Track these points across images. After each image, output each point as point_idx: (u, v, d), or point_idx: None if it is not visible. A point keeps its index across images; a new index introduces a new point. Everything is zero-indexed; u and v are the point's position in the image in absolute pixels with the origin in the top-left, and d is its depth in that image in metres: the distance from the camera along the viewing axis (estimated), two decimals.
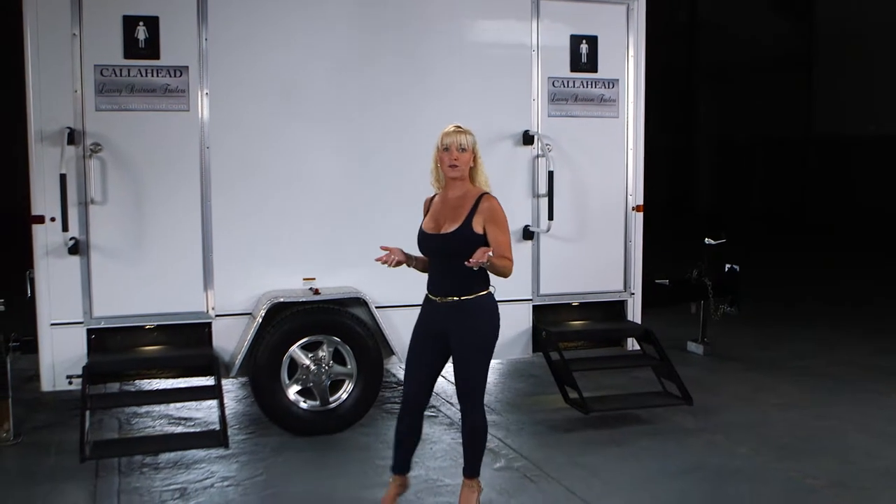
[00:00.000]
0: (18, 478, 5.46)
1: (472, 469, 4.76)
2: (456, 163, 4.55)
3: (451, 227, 4.54)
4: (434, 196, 4.78)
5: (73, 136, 5.74)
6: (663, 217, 6.85)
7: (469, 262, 4.30)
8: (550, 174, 6.54)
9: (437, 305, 4.60)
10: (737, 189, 24.01)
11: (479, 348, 4.62)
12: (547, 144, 6.63)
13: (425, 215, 4.75)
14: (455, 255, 4.44)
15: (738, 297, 8.81)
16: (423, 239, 4.67)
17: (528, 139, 6.69)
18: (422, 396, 4.75)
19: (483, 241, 4.50)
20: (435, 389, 7.40)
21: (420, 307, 4.76)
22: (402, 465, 4.85)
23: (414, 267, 4.78)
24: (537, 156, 6.73)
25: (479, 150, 4.65)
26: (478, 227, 4.52)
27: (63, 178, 5.58)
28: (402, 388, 4.84)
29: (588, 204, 6.95)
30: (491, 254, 4.34)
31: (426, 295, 4.69)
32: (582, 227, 6.93)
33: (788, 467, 5.63)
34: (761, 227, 20.39)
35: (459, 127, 4.62)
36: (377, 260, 4.61)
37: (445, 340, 4.63)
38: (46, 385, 5.89)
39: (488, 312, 4.63)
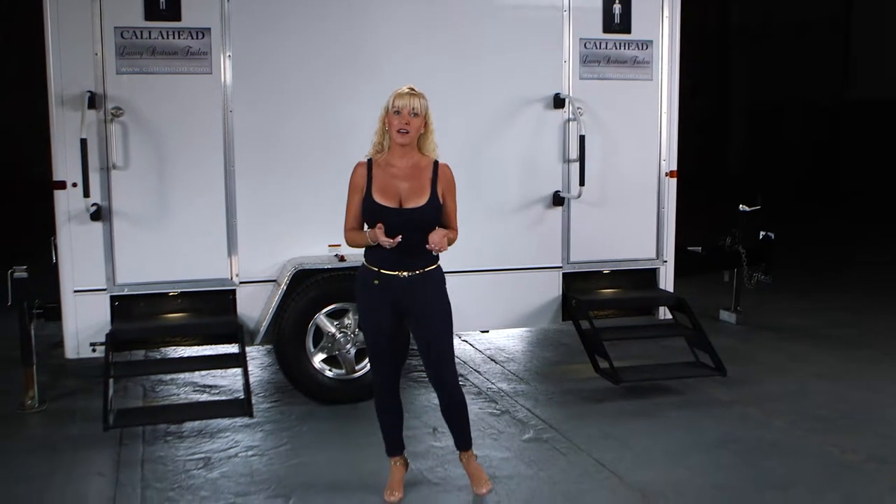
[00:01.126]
0: (42, 446, 5.42)
1: (465, 441, 4.69)
2: (406, 128, 4.30)
3: (419, 201, 4.34)
4: (368, 163, 4.44)
5: (93, 100, 5.63)
6: (694, 182, 6.65)
7: (433, 248, 4.26)
8: (582, 138, 6.35)
9: (399, 280, 4.37)
10: (769, 154, 23.57)
11: (447, 316, 4.51)
12: (578, 108, 6.43)
13: (366, 184, 4.38)
14: (423, 230, 4.30)
15: (773, 266, 8.60)
16: (383, 214, 4.31)
17: (558, 102, 6.50)
18: (395, 376, 4.63)
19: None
20: (459, 355, 7.41)
21: (362, 284, 4.50)
22: (396, 445, 4.73)
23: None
24: (568, 119, 6.54)
25: (431, 116, 4.40)
26: (441, 197, 4.41)
27: (84, 142, 5.47)
28: (372, 373, 4.66)
29: (620, 169, 6.76)
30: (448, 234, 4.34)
31: (374, 270, 4.41)
32: (613, 193, 6.75)
33: (826, 441, 5.47)
34: (793, 193, 20.01)
35: (413, 89, 4.35)
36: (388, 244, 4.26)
37: (402, 317, 4.49)
38: (70, 353, 5.84)
39: (443, 280, 4.53)
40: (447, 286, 4.55)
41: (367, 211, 4.38)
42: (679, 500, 4.63)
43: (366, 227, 4.44)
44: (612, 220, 6.77)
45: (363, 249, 4.53)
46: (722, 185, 20.85)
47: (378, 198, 4.34)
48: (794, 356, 7.46)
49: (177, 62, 5.80)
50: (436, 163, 4.43)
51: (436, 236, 4.26)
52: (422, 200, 4.34)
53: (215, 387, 6.56)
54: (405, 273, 4.37)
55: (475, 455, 4.75)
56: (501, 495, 4.69)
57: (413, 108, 4.29)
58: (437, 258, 4.48)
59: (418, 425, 5.67)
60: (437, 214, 4.39)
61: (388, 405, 4.65)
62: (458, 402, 4.59)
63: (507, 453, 5.27)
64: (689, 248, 8.31)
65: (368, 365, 5.96)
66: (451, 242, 4.39)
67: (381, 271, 4.39)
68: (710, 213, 11.80)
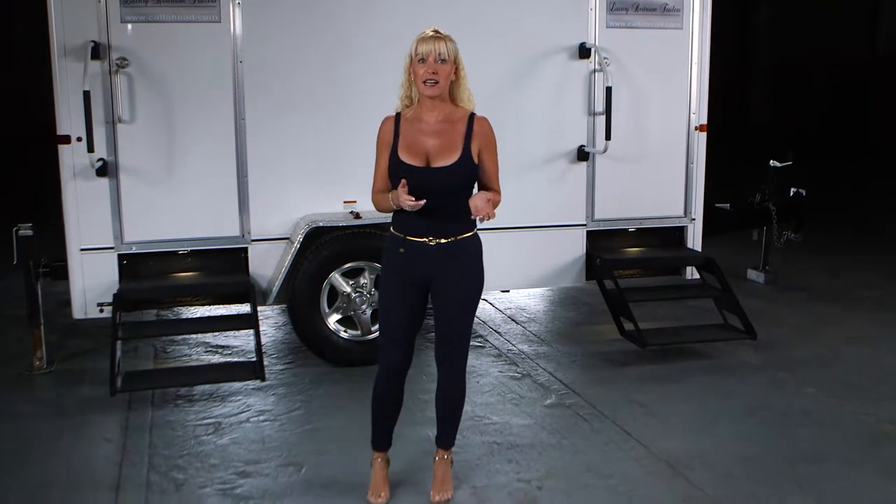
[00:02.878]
0: (49, 409, 5.27)
1: (449, 439, 4.16)
2: (434, 77, 3.73)
3: (448, 160, 3.80)
4: (396, 117, 3.92)
5: (97, 51, 5.38)
6: (719, 137, 6.38)
7: (478, 216, 3.73)
8: (608, 90, 6.05)
9: (425, 248, 3.83)
10: (794, 110, 23.06)
11: (473, 296, 3.98)
12: (605, 58, 6.12)
13: (392, 140, 3.87)
14: (454, 192, 3.82)
15: (804, 223, 8.31)
16: (410, 173, 3.78)
17: (584, 52, 6.19)
18: (407, 361, 4.04)
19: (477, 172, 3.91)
20: (479, 315, 7.21)
21: (388, 252, 3.98)
22: (387, 440, 4.18)
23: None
24: (594, 70, 6.24)
25: (462, 60, 3.83)
26: (475, 156, 3.87)
27: (87, 95, 5.23)
28: (380, 350, 4.06)
29: (648, 123, 6.46)
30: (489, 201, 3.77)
31: (400, 238, 3.89)
32: (641, 148, 6.47)
33: (860, 410, 5.24)
34: (819, 149, 19.57)
35: (438, 32, 3.79)
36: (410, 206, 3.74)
37: (426, 290, 3.95)
38: (77, 313, 5.67)
39: (480, 253, 3.98)
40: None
41: (392, 171, 3.86)
42: (707, 473, 4.42)
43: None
44: (639, 176, 6.50)
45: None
46: (745, 140, 20.42)
47: (404, 156, 3.83)
48: (824, 318, 7.20)
49: (184, 9, 5.52)
50: (472, 115, 3.87)
51: (479, 200, 3.73)
52: (451, 159, 3.81)
53: (228, 347, 6.39)
54: (433, 240, 3.83)
55: (452, 460, 4.22)
56: (522, 465, 4.50)
57: (440, 54, 3.72)
58: (473, 224, 3.92)
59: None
60: (470, 175, 3.87)
61: (391, 395, 4.09)
62: (456, 394, 4.10)
63: (528, 420, 5.07)
64: (717, 205, 8.03)
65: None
66: (495, 206, 3.83)
67: (408, 238, 3.86)
68: (734, 169, 11.47)
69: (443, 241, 3.84)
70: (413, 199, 3.71)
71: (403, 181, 3.74)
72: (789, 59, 23.39)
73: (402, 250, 3.88)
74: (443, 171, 3.81)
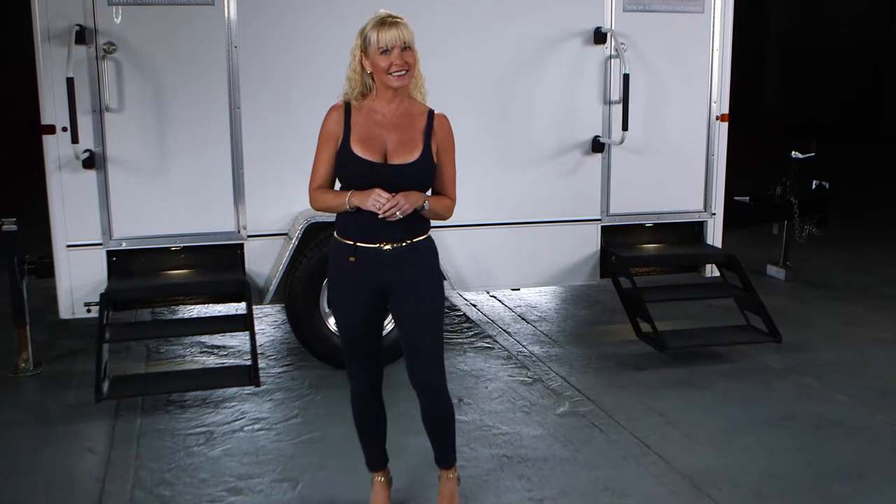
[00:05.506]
0: (33, 416, 4.98)
1: (449, 458, 3.80)
2: (406, 66, 3.39)
3: (408, 157, 3.45)
4: (345, 106, 3.51)
5: (82, 35, 5.06)
6: (731, 126, 6.09)
7: (383, 208, 3.31)
8: (625, 77, 5.70)
9: (380, 255, 3.46)
10: (809, 97, 22.63)
11: (438, 298, 3.63)
12: (622, 43, 5.77)
13: (342, 132, 3.47)
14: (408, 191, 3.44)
15: (827, 217, 7.95)
16: (364, 169, 3.42)
17: (599, 37, 5.84)
18: (379, 372, 3.73)
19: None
20: (487, 314, 6.89)
21: (335, 263, 3.58)
22: (381, 458, 3.86)
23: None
24: (610, 56, 5.89)
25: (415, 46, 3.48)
26: (435, 155, 3.53)
27: (70, 82, 4.91)
28: (348, 368, 3.70)
29: (666, 112, 6.11)
30: (428, 196, 3.49)
31: (348, 244, 3.48)
32: (659, 139, 6.12)
33: (895, 420, 4.91)
34: (834, 137, 19.16)
35: (392, 16, 3.41)
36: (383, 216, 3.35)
37: (383, 299, 3.58)
38: (64, 313, 5.37)
39: (436, 254, 3.64)
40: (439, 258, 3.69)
41: (342, 165, 3.47)
42: (734, 492, 4.09)
43: (337, 185, 3.56)
44: (657, 168, 6.15)
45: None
46: (758, 130, 20.04)
47: (358, 149, 3.43)
48: (849, 318, 6.85)
49: None
50: (431, 112, 3.55)
51: (400, 197, 3.34)
52: (412, 155, 3.46)
53: (224, 347, 6.09)
54: (388, 245, 3.46)
55: (458, 478, 3.86)
56: (534, 482, 4.17)
57: (404, 42, 3.37)
58: (427, 226, 3.57)
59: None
60: (431, 174, 3.52)
61: (370, 415, 3.77)
62: (443, 412, 3.70)
63: (540, 430, 4.75)
64: (736, 199, 7.68)
65: (388, 327, 5.45)
66: (444, 213, 3.55)
67: (358, 244, 3.47)
68: (747, 160, 11.11)
69: (397, 245, 3.47)
70: (390, 198, 3.32)
71: (378, 190, 3.34)
72: (803, 45, 22.94)
73: (352, 259, 3.48)
74: (404, 168, 3.44)
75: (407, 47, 3.39)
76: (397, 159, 3.45)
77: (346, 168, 3.47)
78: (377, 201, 3.33)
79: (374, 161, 3.44)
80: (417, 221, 3.51)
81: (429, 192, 3.56)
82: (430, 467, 3.92)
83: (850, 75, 21.76)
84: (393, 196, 3.34)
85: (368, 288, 3.53)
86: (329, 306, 4.26)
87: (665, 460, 4.40)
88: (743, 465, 4.37)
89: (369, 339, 3.64)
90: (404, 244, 3.48)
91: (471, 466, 4.30)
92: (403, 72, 3.40)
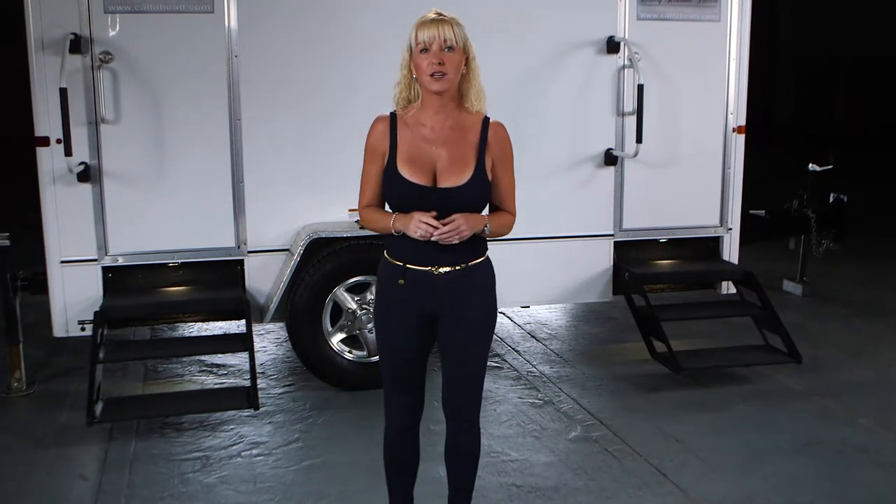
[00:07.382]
0: (23, 439, 4.78)
1: (465, 501, 3.56)
2: (442, 69, 3.08)
3: (460, 178, 3.15)
4: (391, 117, 3.25)
5: (77, 44, 4.89)
6: (747, 139, 5.94)
7: (430, 234, 3.07)
8: (640, 88, 5.52)
9: (432, 279, 3.19)
10: (821, 107, 22.39)
11: (490, 330, 3.36)
12: (636, 53, 5.59)
13: (388, 149, 3.21)
14: (466, 212, 3.17)
15: (846, 231, 7.73)
16: (412, 193, 3.16)
17: (612, 47, 5.65)
18: (420, 407, 3.45)
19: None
20: (498, 333, 6.69)
21: (384, 285, 3.32)
22: (408, 501, 3.58)
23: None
24: (623, 66, 5.70)
25: (473, 49, 3.17)
26: (489, 171, 3.24)
27: (63, 92, 4.74)
28: (387, 401, 3.43)
29: (681, 124, 5.92)
30: (489, 217, 3.22)
31: (398, 266, 3.22)
32: (674, 151, 5.92)
33: None
34: (849, 148, 18.90)
35: (441, 14, 3.12)
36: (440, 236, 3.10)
37: (432, 325, 3.31)
38: (58, 331, 5.19)
39: (494, 280, 3.34)
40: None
41: (389, 187, 3.20)
42: None
43: (387, 207, 3.29)
44: (672, 182, 5.95)
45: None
46: (771, 141, 19.80)
47: (405, 171, 3.16)
48: (869, 336, 6.63)
49: None
50: (486, 120, 3.23)
51: (461, 219, 3.08)
52: (464, 176, 3.16)
53: (224, 366, 5.89)
54: (441, 269, 3.20)
55: None
56: None
57: (445, 40, 3.06)
58: (484, 248, 3.28)
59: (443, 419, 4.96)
60: (486, 195, 3.24)
61: (408, 452, 3.47)
62: (470, 450, 3.47)
63: (550, 457, 4.55)
64: (752, 212, 7.47)
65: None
66: (497, 234, 3.26)
67: (408, 266, 3.20)
68: (761, 172, 10.87)
69: (451, 269, 3.20)
70: (441, 227, 3.07)
71: (429, 214, 3.09)
72: (814, 56, 22.72)
73: (402, 281, 3.21)
74: (452, 192, 3.16)
75: (449, 47, 3.08)
76: (447, 181, 3.16)
77: (393, 191, 3.21)
78: (418, 228, 3.08)
79: (423, 185, 3.16)
80: (475, 243, 3.22)
81: (486, 210, 3.31)
82: (440, 499, 3.72)
83: (865, 84, 21.52)
84: (444, 221, 3.08)
85: (417, 313, 3.25)
86: (373, 331, 4.07)
87: (682, 490, 4.19)
88: (764, 494, 4.16)
89: (414, 369, 3.36)
90: (459, 268, 3.21)
91: (479, 497, 4.07)
92: (441, 74, 3.08)
